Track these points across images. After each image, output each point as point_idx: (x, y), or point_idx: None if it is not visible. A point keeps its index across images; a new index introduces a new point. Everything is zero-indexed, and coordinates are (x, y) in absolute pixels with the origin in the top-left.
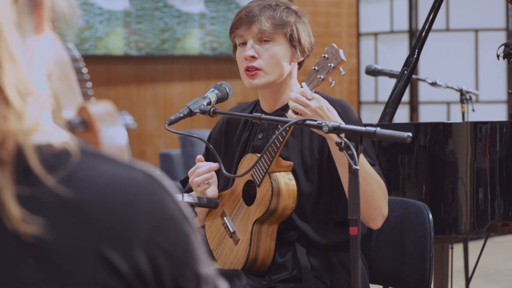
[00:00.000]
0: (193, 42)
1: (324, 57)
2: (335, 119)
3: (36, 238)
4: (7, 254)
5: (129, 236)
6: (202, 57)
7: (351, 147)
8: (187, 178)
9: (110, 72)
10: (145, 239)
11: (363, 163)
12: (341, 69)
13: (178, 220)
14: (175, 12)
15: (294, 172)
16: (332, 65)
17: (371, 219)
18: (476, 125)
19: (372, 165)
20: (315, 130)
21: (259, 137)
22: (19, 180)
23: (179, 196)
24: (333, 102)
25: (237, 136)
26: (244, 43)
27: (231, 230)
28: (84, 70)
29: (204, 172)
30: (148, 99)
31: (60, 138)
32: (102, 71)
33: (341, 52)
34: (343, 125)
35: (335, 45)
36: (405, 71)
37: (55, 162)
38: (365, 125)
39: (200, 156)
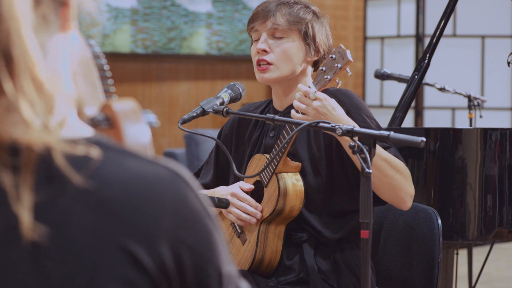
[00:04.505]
0: (200, 42)
1: (332, 57)
2: (339, 118)
3: (58, 236)
4: (27, 252)
5: (153, 231)
6: (208, 56)
7: (364, 150)
8: (195, 174)
9: (116, 69)
10: (169, 234)
11: (379, 150)
12: (348, 69)
13: (201, 217)
14: (182, 11)
15: (303, 167)
16: (339, 65)
17: (400, 202)
18: (486, 132)
19: (387, 148)
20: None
21: (271, 135)
22: (42, 181)
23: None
24: (335, 92)
25: (248, 134)
26: (258, 39)
27: (239, 230)
28: (106, 67)
29: (251, 212)
30: (153, 97)
31: (86, 134)
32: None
33: (348, 52)
34: (356, 128)
35: (342, 46)
36: (416, 76)
37: (81, 159)
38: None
39: (252, 187)
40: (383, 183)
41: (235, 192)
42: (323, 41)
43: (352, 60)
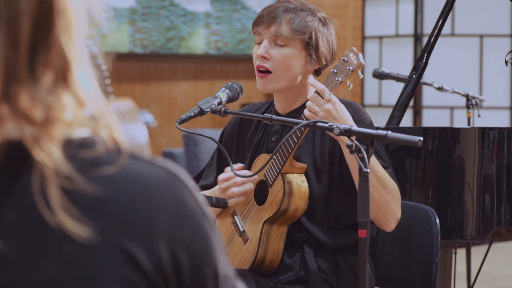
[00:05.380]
0: (198, 41)
1: (344, 60)
2: (347, 122)
3: (61, 233)
4: (32, 246)
5: (151, 232)
6: (207, 56)
7: (362, 150)
8: (198, 175)
9: (114, 69)
10: (166, 235)
11: (376, 166)
12: (359, 72)
13: (198, 217)
14: (181, 11)
15: (305, 174)
16: (351, 68)
17: (384, 222)
18: (484, 131)
19: (385, 168)
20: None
21: (273, 139)
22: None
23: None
24: (345, 104)
25: (250, 136)
26: (261, 42)
27: (241, 229)
28: (103, 67)
29: (242, 182)
30: (152, 97)
31: (83, 134)
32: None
33: (360, 56)
34: (354, 128)
35: (355, 49)
36: (414, 75)
37: (81, 160)
38: (376, 128)
39: (240, 165)
40: (371, 199)
41: (219, 177)
42: (326, 50)
43: (364, 63)
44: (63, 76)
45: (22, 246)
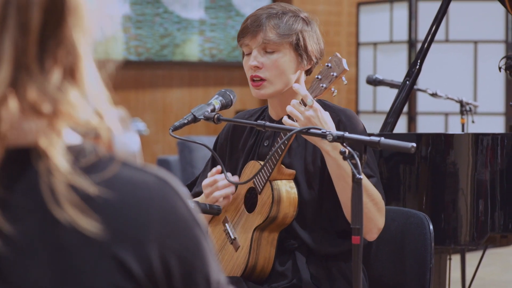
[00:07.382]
0: (193, 49)
1: (327, 66)
2: (329, 130)
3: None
4: (24, 249)
5: (142, 239)
6: (201, 63)
7: (355, 156)
8: (192, 182)
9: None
10: (157, 242)
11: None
12: (343, 78)
13: (189, 225)
14: (175, 18)
15: (296, 180)
16: (335, 74)
17: (366, 231)
18: (477, 137)
19: (370, 176)
20: (313, 142)
21: (265, 144)
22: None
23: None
24: (338, 111)
25: (243, 142)
26: (250, 53)
27: (232, 237)
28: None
29: (224, 186)
30: (146, 104)
31: (73, 142)
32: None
33: (344, 61)
34: (347, 134)
35: (338, 55)
36: (407, 82)
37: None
38: (368, 135)
39: (219, 168)
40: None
41: (203, 183)
42: (315, 48)
43: (348, 69)
44: (71, 73)
45: (27, 237)
